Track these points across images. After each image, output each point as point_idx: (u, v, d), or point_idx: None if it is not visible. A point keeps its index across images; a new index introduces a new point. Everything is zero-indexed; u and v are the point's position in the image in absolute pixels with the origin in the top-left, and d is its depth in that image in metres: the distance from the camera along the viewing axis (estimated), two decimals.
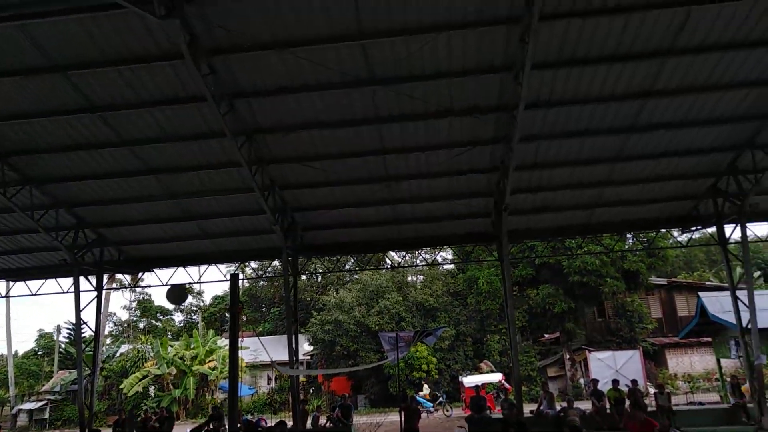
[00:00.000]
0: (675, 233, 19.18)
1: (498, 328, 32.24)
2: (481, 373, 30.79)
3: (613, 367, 27.86)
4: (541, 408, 16.42)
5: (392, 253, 24.96)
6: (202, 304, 53.03)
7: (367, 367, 28.53)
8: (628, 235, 28.85)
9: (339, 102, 11.54)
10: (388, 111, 11.82)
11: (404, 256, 36.04)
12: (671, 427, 14.15)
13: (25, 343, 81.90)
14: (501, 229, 15.27)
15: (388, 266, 24.05)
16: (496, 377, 27.67)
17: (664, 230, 24.17)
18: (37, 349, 50.12)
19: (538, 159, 13.86)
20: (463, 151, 12.99)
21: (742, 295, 15.67)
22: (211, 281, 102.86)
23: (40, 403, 35.51)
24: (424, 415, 26.60)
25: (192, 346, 34.66)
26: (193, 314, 53.99)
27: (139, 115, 11.64)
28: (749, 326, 15.38)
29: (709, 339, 25.20)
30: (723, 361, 24.26)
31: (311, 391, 33.76)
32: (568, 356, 32.05)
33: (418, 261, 32.89)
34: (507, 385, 24.07)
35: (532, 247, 26.52)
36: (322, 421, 19.46)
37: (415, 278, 38.28)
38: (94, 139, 12.39)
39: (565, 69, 10.98)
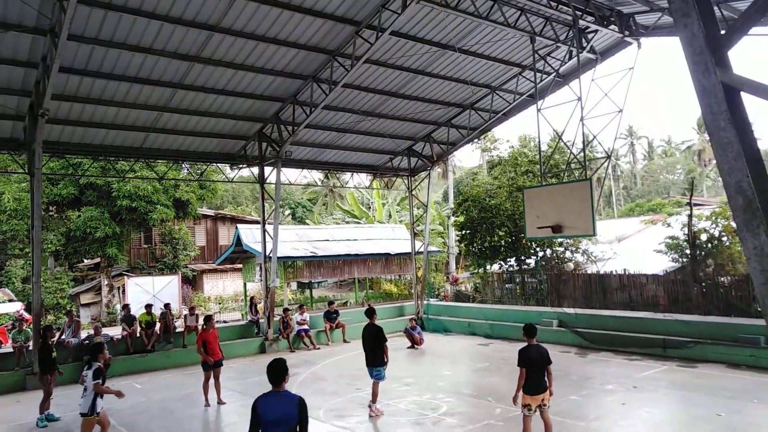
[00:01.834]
0: (227, 169, 20.58)
1: (24, 252, 28.00)
2: None
3: (151, 292, 28.20)
4: (63, 337, 15.19)
5: None
6: None
7: None
8: (184, 166, 29.42)
9: None
10: None
11: None
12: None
13: None
14: (35, 138, 12.95)
15: None
16: (14, 307, 24.17)
17: (215, 165, 25.65)
18: None
19: (90, 66, 12.28)
20: None
21: (270, 228, 18.18)
22: None
23: None
24: None
25: None
26: None
27: None
28: (271, 254, 18.05)
29: (241, 266, 28.54)
30: (249, 284, 27.95)
31: None
32: (106, 282, 30.69)
33: None
34: (26, 315, 21.28)
35: (78, 165, 23.76)
36: None
37: None
38: None
39: None
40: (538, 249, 22.13)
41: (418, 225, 25.72)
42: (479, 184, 24.27)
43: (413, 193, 22.87)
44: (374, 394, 9.72)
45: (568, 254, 21.97)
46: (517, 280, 22.64)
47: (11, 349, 14.70)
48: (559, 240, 21.29)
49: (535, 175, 21.97)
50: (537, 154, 20.50)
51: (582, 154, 14.25)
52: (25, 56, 11.44)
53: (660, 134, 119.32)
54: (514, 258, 22.90)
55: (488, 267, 24.65)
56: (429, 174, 21.80)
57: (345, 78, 13.99)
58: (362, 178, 26.39)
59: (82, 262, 32.40)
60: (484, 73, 16.72)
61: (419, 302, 21.72)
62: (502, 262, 23.50)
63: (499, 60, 16.03)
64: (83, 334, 15.98)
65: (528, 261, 22.73)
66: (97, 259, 31.20)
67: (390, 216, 37.00)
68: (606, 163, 15.89)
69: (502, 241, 22.86)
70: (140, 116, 14.87)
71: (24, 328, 14.96)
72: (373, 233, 29.27)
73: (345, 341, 18.64)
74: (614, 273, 18.55)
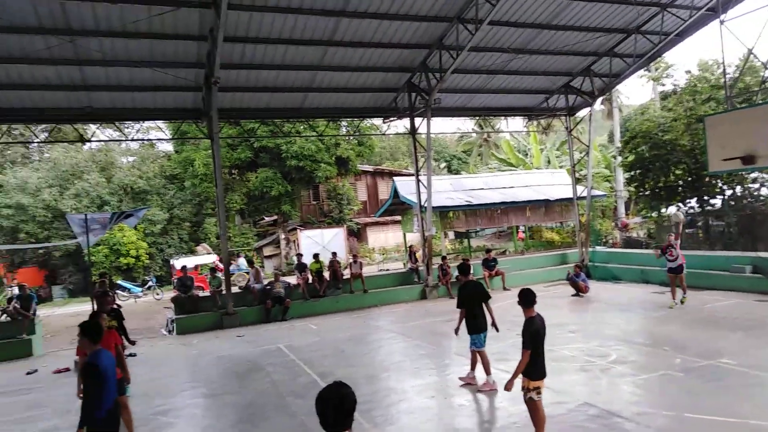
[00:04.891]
0: (382, 126, 21.12)
1: (216, 211, 31.96)
2: (197, 256, 30.56)
3: (320, 243, 30.49)
4: (249, 283, 17.16)
5: (93, 128, 21.70)
6: None
7: (48, 246, 25.49)
8: (342, 125, 30.88)
9: None
10: None
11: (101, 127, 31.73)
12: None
13: None
14: (211, 105, 14.46)
15: (90, 140, 20.88)
16: (211, 259, 27.80)
17: (371, 122, 26.51)
18: None
19: (250, 32, 13.19)
20: (167, 10, 11.48)
21: (424, 179, 18.31)
22: None
23: None
24: (131, 301, 25.47)
25: None
26: None
27: None
28: (425, 204, 18.26)
29: (399, 217, 29.43)
30: (408, 235, 28.79)
31: None
32: (283, 236, 33.90)
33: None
34: (220, 266, 24.40)
35: (251, 130, 26.21)
36: None
37: (123, 159, 34.68)
38: None
39: None
40: (725, 187, 19.40)
41: (580, 169, 24.03)
42: (650, 119, 21.76)
43: (573, 134, 21.30)
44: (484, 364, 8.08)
45: (765, 191, 18.94)
46: (699, 222, 20.19)
47: (209, 294, 17.08)
48: (753, 174, 18.39)
49: (719, 102, 19.04)
50: (721, 78, 17.70)
51: None
52: (196, 30, 12.65)
53: None
54: (695, 199, 20.42)
55: (663, 210, 22.34)
56: (591, 111, 20.05)
57: (491, 14, 13.26)
58: (517, 124, 25.25)
59: (263, 219, 36.06)
60: None
61: (584, 249, 20.50)
62: (680, 204, 21.11)
63: None
64: (266, 281, 17.82)
65: (713, 201, 20.11)
66: (275, 216, 34.55)
67: (549, 162, 35.14)
68: None
69: (680, 181, 20.45)
70: (297, 77, 15.72)
71: (215, 275, 17.22)
72: (531, 179, 28.08)
73: (505, 288, 18.38)
74: None
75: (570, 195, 22.47)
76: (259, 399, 8.48)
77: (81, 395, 5.07)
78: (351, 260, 18.92)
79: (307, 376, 9.60)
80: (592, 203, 22.36)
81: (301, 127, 26.14)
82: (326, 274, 18.00)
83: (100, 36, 11.96)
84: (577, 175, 21.60)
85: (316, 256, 18.48)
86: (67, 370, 11.57)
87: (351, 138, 30.90)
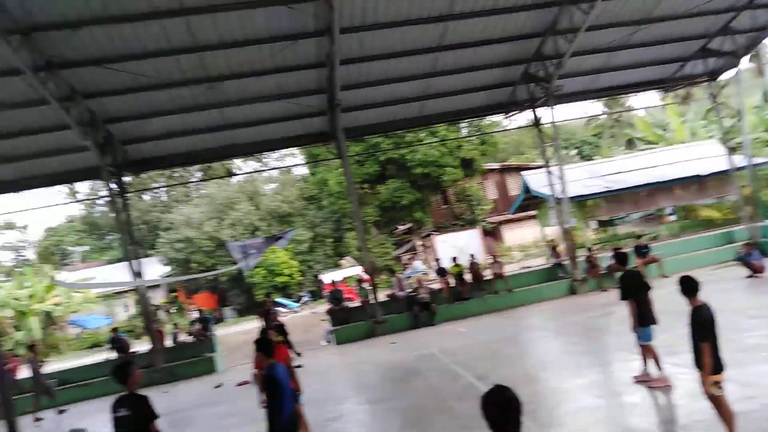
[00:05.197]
0: (503, 122, 20.76)
1: (354, 225, 33.46)
2: (343, 269, 32.22)
3: (456, 246, 30.49)
4: (394, 292, 17.70)
5: (238, 162, 24.00)
6: (30, 238, 48.03)
7: (217, 273, 28.40)
8: (462, 126, 30.78)
9: None
10: (193, 1, 10.73)
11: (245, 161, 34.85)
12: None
13: None
14: (337, 127, 15.27)
15: (236, 173, 23.16)
16: (356, 271, 29.14)
17: (491, 120, 26.02)
18: None
19: (363, 51, 13.75)
20: (287, 44, 12.42)
21: (556, 170, 17.56)
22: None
23: None
24: (290, 316, 27.50)
25: (26, 284, 31.47)
26: (22, 250, 48.72)
27: None
28: (560, 196, 17.50)
29: (535, 212, 28.48)
30: (546, 229, 27.74)
31: (171, 311, 32.98)
32: (419, 243, 34.44)
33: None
34: (365, 277, 25.47)
35: (376, 145, 27.17)
36: (183, 337, 19.31)
37: (266, 186, 37.78)
38: None
39: None
40: None
41: (733, 137, 21.47)
42: None
43: (720, 99, 19.08)
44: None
45: None
46: None
47: (359, 304, 17.90)
48: None
49: None
50: None
51: None
52: (313, 59, 13.49)
53: None
54: None
55: None
56: (737, 72, 17.85)
57: None
58: (651, 98, 23.28)
59: (397, 228, 36.99)
60: None
61: (752, 225, 18.24)
62: None
63: None
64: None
65: None
66: (409, 224, 35.27)
67: (693, 134, 31.75)
68: None
69: None
70: (412, 87, 16.01)
71: (362, 286, 17.96)
72: (676, 155, 25.63)
73: (664, 276, 16.72)
74: None
75: (725, 167, 20.18)
76: (421, 403, 8.59)
77: (263, 405, 5.54)
78: (491, 260, 18.69)
79: (464, 379, 9.51)
80: (756, 172, 19.81)
81: (422, 135, 26.55)
82: (467, 277, 18.00)
83: (234, 78, 13.27)
84: (731, 144, 19.32)
85: (454, 259, 18.56)
86: (247, 383, 12.76)
87: (473, 138, 30.65)
